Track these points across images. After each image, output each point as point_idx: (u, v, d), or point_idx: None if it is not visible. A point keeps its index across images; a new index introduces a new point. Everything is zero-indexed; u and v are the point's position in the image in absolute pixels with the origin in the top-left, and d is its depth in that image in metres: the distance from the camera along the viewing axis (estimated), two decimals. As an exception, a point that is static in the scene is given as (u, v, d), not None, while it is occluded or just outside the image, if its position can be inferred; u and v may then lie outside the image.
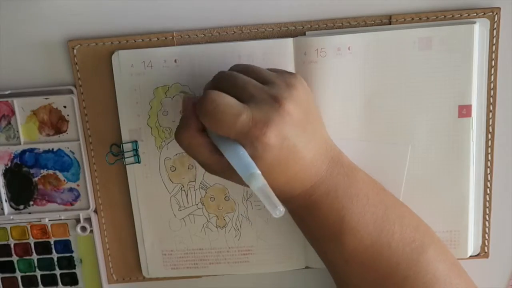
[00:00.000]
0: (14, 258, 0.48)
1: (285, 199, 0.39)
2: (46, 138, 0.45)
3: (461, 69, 0.42)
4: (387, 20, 0.42)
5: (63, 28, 0.43)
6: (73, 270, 0.48)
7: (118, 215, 0.47)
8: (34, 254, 0.48)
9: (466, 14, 0.41)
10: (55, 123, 0.45)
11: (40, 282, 0.49)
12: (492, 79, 0.43)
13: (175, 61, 0.42)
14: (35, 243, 0.47)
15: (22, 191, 0.46)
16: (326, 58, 0.42)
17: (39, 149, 0.45)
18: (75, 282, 0.49)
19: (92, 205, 0.46)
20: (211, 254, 0.47)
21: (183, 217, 0.46)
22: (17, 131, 0.45)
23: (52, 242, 0.47)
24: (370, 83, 0.42)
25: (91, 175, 0.46)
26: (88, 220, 0.47)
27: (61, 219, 0.47)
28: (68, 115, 0.45)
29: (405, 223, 0.39)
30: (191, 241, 0.47)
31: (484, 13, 0.41)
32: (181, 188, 0.45)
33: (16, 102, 0.44)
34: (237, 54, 0.42)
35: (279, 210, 0.32)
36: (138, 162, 0.45)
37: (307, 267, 0.47)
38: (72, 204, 0.47)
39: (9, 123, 0.45)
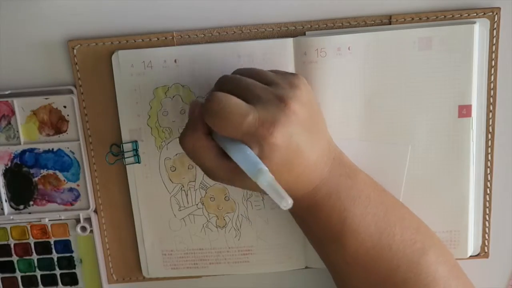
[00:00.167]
0: (14, 258, 0.48)
1: None
2: (46, 138, 0.45)
3: (461, 69, 0.42)
4: (387, 20, 0.42)
5: (63, 28, 0.43)
6: (73, 270, 0.48)
7: (118, 215, 0.47)
8: (34, 254, 0.48)
9: (466, 14, 0.41)
10: (55, 123, 0.45)
11: (40, 282, 0.49)
12: (492, 79, 0.43)
13: (175, 61, 0.42)
14: (35, 243, 0.47)
15: (22, 191, 0.46)
16: (326, 58, 0.42)
17: (39, 149, 0.45)
18: (75, 282, 0.49)
19: (92, 205, 0.46)
20: (211, 254, 0.47)
21: (183, 217, 0.46)
22: (17, 131, 0.45)
23: (52, 242, 0.47)
24: (370, 83, 0.42)
25: (91, 175, 0.46)
26: (88, 220, 0.47)
27: (61, 219, 0.47)
28: (68, 115, 0.45)
29: (405, 225, 0.39)
30: (191, 241, 0.47)
31: (484, 13, 0.41)
32: (181, 188, 0.45)
33: (16, 102, 0.44)
34: (237, 54, 0.42)
35: (287, 201, 0.32)
36: (138, 162, 0.45)
37: (307, 267, 0.47)
38: (72, 204, 0.47)
39: (9, 123, 0.45)
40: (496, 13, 0.41)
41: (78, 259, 0.48)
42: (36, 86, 0.44)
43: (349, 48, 0.42)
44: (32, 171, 0.46)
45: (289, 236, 0.46)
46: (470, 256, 0.46)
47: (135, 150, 0.44)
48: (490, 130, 0.44)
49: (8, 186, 0.46)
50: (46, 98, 0.44)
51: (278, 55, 0.42)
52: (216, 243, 0.47)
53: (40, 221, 0.47)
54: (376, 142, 0.43)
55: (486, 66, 0.42)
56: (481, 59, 0.42)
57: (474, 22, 0.41)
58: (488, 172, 0.45)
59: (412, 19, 0.42)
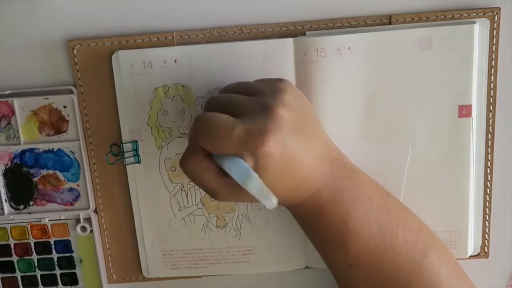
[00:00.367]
0: (14, 258, 0.48)
1: (293, 205, 0.39)
2: (46, 138, 0.45)
3: (461, 69, 0.42)
4: (387, 20, 0.42)
5: (63, 28, 0.43)
6: (73, 270, 0.48)
7: (118, 215, 0.47)
8: (34, 254, 0.48)
9: (466, 14, 0.41)
10: (55, 123, 0.45)
11: (40, 282, 0.49)
12: (492, 79, 0.43)
13: (175, 61, 0.42)
14: (35, 243, 0.47)
15: (22, 191, 0.46)
16: (326, 58, 0.42)
17: (39, 149, 0.45)
18: (75, 282, 0.49)
19: (92, 205, 0.46)
20: (211, 254, 0.47)
21: (183, 217, 0.46)
22: (17, 131, 0.45)
23: (52, 242, 0.47)
24: (370, 83, 0.42)
25: (91, 175, 0.46)
26: (88, 220, 0.47)
27: (61, 219, 0.47)
28: (68, 115, 0.45)
29: (408, 226, 0.39)
30: (191, 241, 0.47)
31: (484, 13, 0.41)
32: (181, 188, 0.45)
33: (16, 102, 0.44)
34: (237, 54, 0.42)
35: (272, 200, 0.31)
36: (138, 162, 0.45)
37: (307, 267, 0.47)
38: (72, 204, 0.47)
39: (9, 123, 0.45)
40: (496, 13, 0.41)
41: (78, 259, 0.48)
42: (36, 86, 0.44)
43: (349, 48, 0.42)
44: (32, 171, 0.46)
45: (289, 236, 0.46)
46: (470, 256, 0.46)
47: (135, 150, 0.44)
48: (490, 130, 0.44)
49: (8, 186, 0.46)
50: (46, 98, 0.44)
51: (278, 55, 0.42)
52: (216, 243, 0.47)
53: (40, 221, 0.47)
54: (376, 142, 0.43)
55: (486, 66, 0.42)
56: (481, 59, 0.42)
57: (474, 22, 0.41)
58: (488, 172, 0.45)
59: (412, 19, 0.42)
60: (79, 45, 0.43)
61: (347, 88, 0.42)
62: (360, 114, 0.43)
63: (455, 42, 0.41)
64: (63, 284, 0.49)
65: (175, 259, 0.47)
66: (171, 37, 0.42)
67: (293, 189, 0.37)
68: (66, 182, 0.46)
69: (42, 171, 0.46)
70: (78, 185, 0.46)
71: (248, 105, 0.35)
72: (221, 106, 0.36)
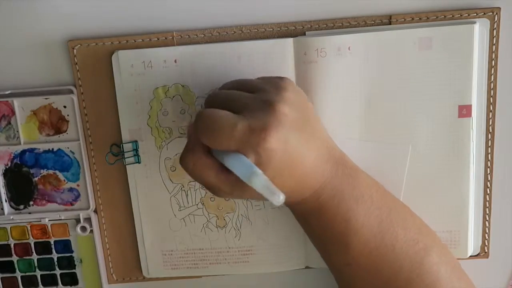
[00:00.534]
0: (14, 258, 0.48)
1: (295, 203, 0.39)
2: (46, 138, 0.45)
3: (461, 69, 0.42)
4: (387, 20, 0.42)
5: (63, 28, 0.43)
6: (73, 270, 0.48)
7: (118, 215, 0.47)
8: (34, 254, 0.48)
9: (466, 14, 0.41)
10: (55, 123, 0.45)
11: (40, 282, 0.49)
12: (492, 79, 0.43)
13: (175, 61, 0.42)
14: (35, 243, 0.47)
15: (22, 191, 0.46)
16: (326, 58, 0.42)
17: (39, 149, 0.45)
18: (75, 282, 0.49)
19: (92, 205, 0.46)
20: (211, 254, 0.47)
21: (183, 217, 0.46)
22: (17, 131, 0.45)
23: (52, 242, 0.47)
24: (370, 83, 0.42)
25: (91, 175, 0.46)
26: (88, 220, 0.47)
27: (61, 219, 0.47)
28: (68, 115, 0.45)
29: (408, 226, 0.39)
30: (191, 241, 0.47)
31: (484, 13, 0.41)
32: (181, 188, 0.45)
33: (16, 102, 0.44)
34: (237, 54, 0.42)
35: (279, 197, 0.31)
36: (138, 162, 0.45)
37: (307, 267, 0.47)
38: (72, 204, 0.47)
39: (9, 123, 0.45)
40: (496, 13, 0.41)
41: (78, 259, 0.48)
42: (36, 86, 0.44)
43: (349, 48, 0.42)
44: (32, 171, 0.46)
45: (289, 236, 0.46)
46: (470, 256, 0.46)
47: (135, 150, 0.44)
48: (490, 130, 0.44)
49: (8, 186, 0.46)
50: (46, 98, 0.44)
51: (278, 55, 0.42)
52: (216, 243, 0.47)
53: (40, 221, 0.47)
54: (377, 142, 0.43)
55: (486, 66, 0.42)
56: (481, 59, 0.42)
57: (474, 22, 0.41)
58: (488, 172, 0.45)
59: (412, 19, 0.42)
60: (79, 45, 0.43)
61: (347, 88, 0.42)
62: (360, 114, 0.43)
63: (455, 42, 0.41)
64: (63, 284, 0.49)
65: (175, 259, 0.47)
66: (171, 37, 0.42)
67: (295, 187, 0.37)
68: (66, 182, 0.46)
69: (42, 171, 0.46)
70: (78, 185, 0.46)
71: (249, 101, 0.35)
72: (221, 103, 0.36)
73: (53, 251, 0.48)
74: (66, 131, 0.45)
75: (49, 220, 0.47)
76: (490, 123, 0.44)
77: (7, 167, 0.46)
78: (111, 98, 0.44)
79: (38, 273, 0.48)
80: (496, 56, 0.42)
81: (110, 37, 0.42)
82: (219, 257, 0.47)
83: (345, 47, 0.41)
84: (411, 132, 0.43)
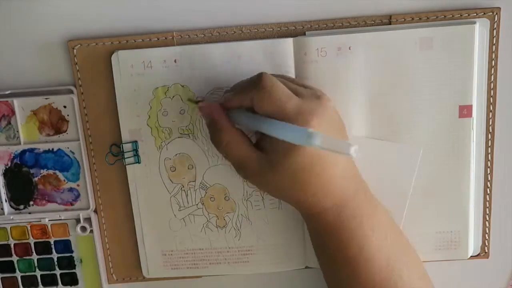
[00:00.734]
0: (14, 258, 0.48)
1: (317, 212, 0.39)
2: (46, 138, 0.45)
3: (461, 69, 0.42)
4: (387, 20, 0.42)
5: (63, 28, 0.43)
6: (73, 270, 0.48)
7: (118, 215, 0.47)
8: (34, 254, 0.48)
9: (466, 14, 0.41)
10: (55, 123, 0.45)
11: (40, 282, 0.49)
12: (492, 79, 0.43)
13: (175, 61, 0.42)
14: (35, 243, 0.47)
15: (22, 191, 0.46)
16: (326, 58, 0.42)
17: (39, 149, 0.45)
18: (75, 282, 0.49)
19: (92, 205, 0.46)
20: (211, 254, 0.47)
21: (183, 217, 0.46)
22: (17, 131, 0.45)
23: (52, 242, 0.47)
24: (371, 83, 0.42)
25: (91, 175, 0.46)
26: (88, 220, 0.47)
27: (61, 219, 0.47)
28: (68, 115, 0.45)
29: (412, 269, 0.40)
30: (191, 241, 0.47)
31: (484, 13, 0.41)
32: (181, 188, 0.45)
33: (16, 102, 0.44)
34: (237, 54, 0.42)
35: (351, 146, 0.30)
36: (138, 162, 0.45)
37: (306, 267, 0.47)
38: (72, 204, 0.47)
39: (9, 123, 0.45)
40: (496, 13, 0.41)
41: (78, 259, 0.48)
42: (36, 86, 0.44)
43: (349, 48, 0.42)
44: (32, 171, 0.46)
45: (289, 236, 0.46)
46: (471, 256, 0.46)
47: (135, 150, 0.44)
48: (490, 130, 0.44)
49: (8, 186, 0.46)
50: (46, 98, 0.44)
51: (278, 55, 0.42)
52: (216, 243, 0.47)
53: (40, 221, 0.47)
54: (388, 142, 0.43)
55: (486, 66, 0.42)
56: (481, 59, 0.42)
57: (474, 22, 0.41)
58: (488, 172, 0.45)
59: (412, 19, 0.42)
60: (79, 45, 0.43)
61: (347, 88, 0.42)
62: (360, 114, 0.43)
63: (455, 42, 0.41)
64: (63, 284, 0.49)
65: (175, 259, 0.47)
66: (171, 37, 0.42)
67: (319, 190, 0.37)
68: (66, 182, 0.46)
69: (42, 171, 0.46)
70: (78, 185, 0.46)
71: (302, 91, 0.37)
72: (280, 81, 0.37)
73: (53, 251, 0.48)
74: (66, 131, 0.45)
75: (49, 220, 0.47)
76: (490, 123, 0.44)
77: (7, 167, 0.46)
78: (111, 98, 0.44)
79: (38, 273, 0.48)
80: (496, 56, 0.42)
81: (110, 37, 0.42)
82: (219, 257, 0.47)
83: (346, 47, 0.41)
84: (411, 132, 0.43)
